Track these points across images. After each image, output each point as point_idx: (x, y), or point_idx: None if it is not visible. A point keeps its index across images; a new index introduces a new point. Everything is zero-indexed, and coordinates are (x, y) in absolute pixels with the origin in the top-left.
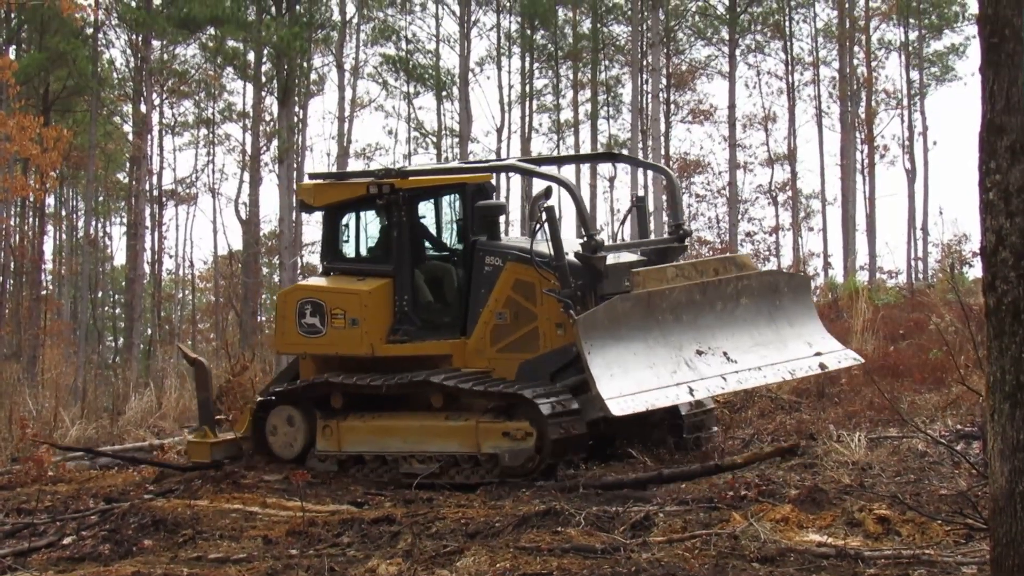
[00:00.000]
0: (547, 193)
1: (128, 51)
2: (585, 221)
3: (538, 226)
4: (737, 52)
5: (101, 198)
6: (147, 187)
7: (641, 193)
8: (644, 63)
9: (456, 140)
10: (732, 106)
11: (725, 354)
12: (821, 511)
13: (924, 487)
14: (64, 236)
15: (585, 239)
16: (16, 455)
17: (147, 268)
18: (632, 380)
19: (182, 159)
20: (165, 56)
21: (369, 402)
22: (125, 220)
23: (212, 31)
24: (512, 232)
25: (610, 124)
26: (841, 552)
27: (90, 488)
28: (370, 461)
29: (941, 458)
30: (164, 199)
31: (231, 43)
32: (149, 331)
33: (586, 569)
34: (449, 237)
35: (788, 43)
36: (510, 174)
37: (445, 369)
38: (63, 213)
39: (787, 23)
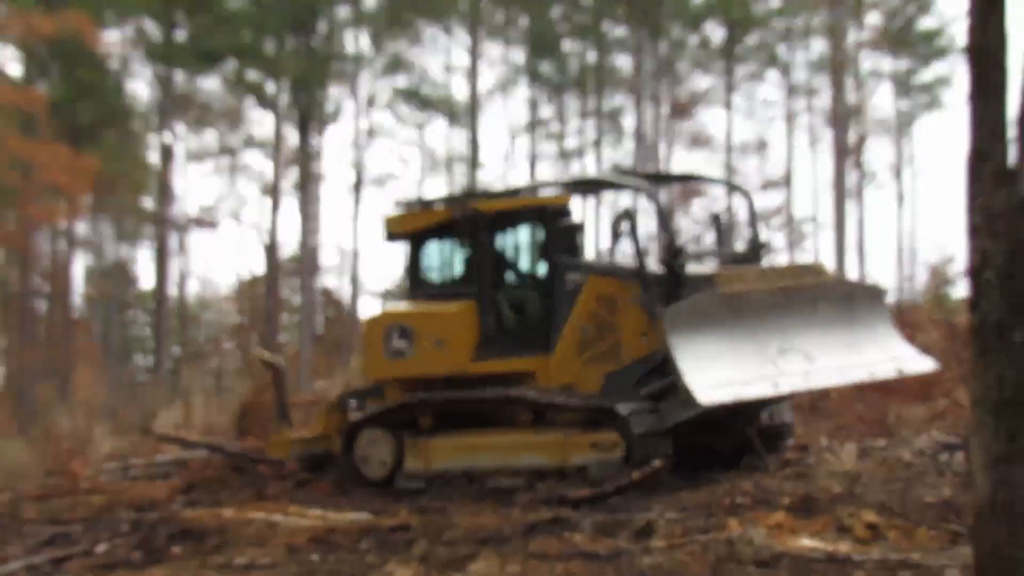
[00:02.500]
0: (627, 213)
1: (152, 83)
2: (668, 231)
3: (621, 240)
4: (734, 81)
5: (129, 224)
6: (172, 214)
7: (715, 212)
8: (645, 93)
9: (466, 167)
10: (729, 132)
11: (805, 354)
12: (813, 517)
13: (910, 495)
14: (93, 260)
15: (668, 247)
16: (52, 468)
17: (173, 291)
18: (718, 372)
19: (205, 186)
20: (188, 88)
21: (456, 420)
22: (152, 245)
23: (233, 63)
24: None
25: (614, 152)
26: (831, 556)
27: (122, 499)
28: (457, 478)
29: (926, 468)
30: (189, 225)
31: (251, 75)
32: (176, 351)
33: (591, 573)
34: (529, 257)
35: (785, 73)
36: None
37: (532, 386)
38: (94, 238)
39: (786, 54)
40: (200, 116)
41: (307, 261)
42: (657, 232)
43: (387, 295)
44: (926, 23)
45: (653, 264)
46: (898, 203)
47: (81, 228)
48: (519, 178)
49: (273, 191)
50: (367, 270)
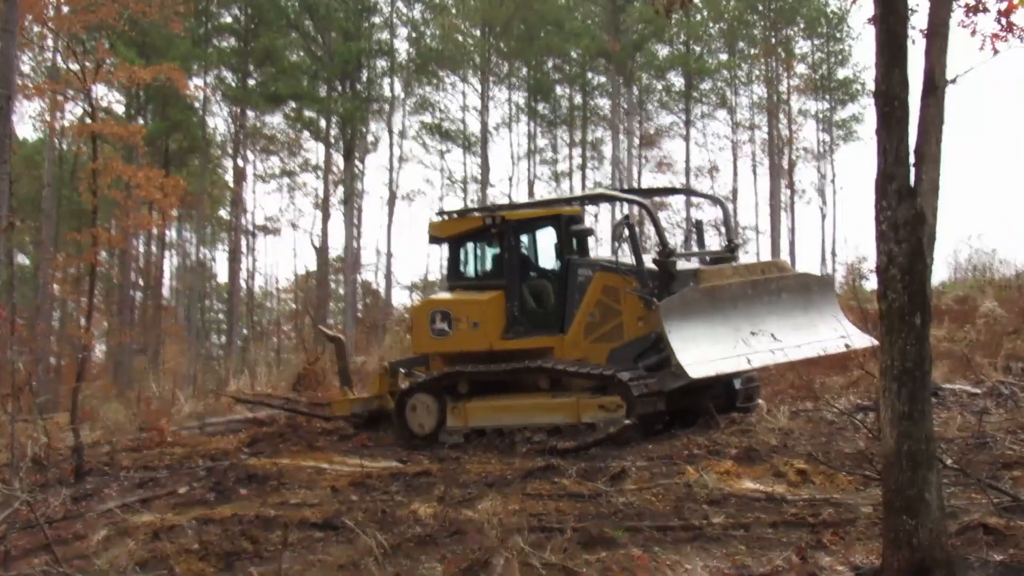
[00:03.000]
0: (626, 219)
1: (229, 119)
2: (661, 235)
3: (622, 242)
4: (692, 118)
5: (208, 230)
6: (243, 222)
7: (632, 218)
8: (621, 127)
9: (478, 186)
10: (687, 159)
11: (772, 335)
12: (754, 465)
13: (832, 447)
14: (179, 260)
15: (660, 248)
16: (143, 425)
17: (243, 283)
18: (703, 351)
19: (270, 201)
20: (257, 123)
21: (488, 387)
22: (227, 247)
23: (293, 104)
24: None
25: (595, 174)
26: (769, 496)
27: (199, 450)
28: (490, 433)
29: (845, 425)
30: (256, 231)
31: (308, 113)
32: (245, 331)
33: (576, 510)
34: (547, 256)
35: (731, 112)
36: (599, 204)
37: (551, 359)
38: (180, 242)
39: (731, 97)
40: (266, 145)
41: (350, 260)
42: (654, 236)
43: (413, 287)
44: (843, 72)
45: (649, 262)
46: (821, 215)
47: (170, 234)
48: (520, 196)
49: (323, 205)
50: (398, 267)
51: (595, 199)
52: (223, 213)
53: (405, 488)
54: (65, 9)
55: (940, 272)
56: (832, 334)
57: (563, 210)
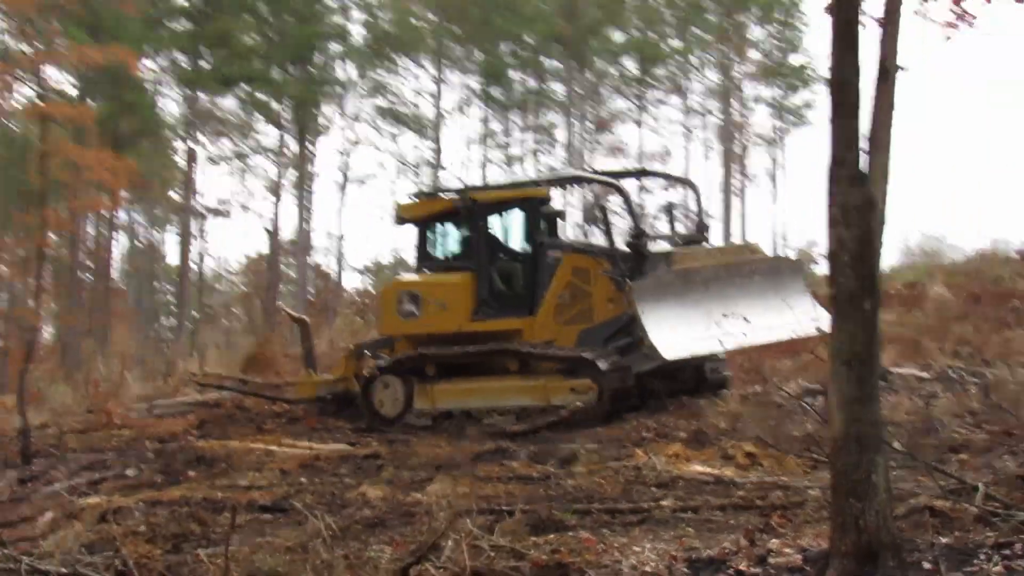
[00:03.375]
0: (599, 205)
1: (180, 101)
2: (634, 217)
3: (595, 224)
4: (645, 103)
5: (159, 212)
6: (193, 204)
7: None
8: (574, 112)
9: (431, 170)
10: (640, 144)
11: (744, 317)
12: (704, 448)
13: (781, 430)
14: (129, 243)
15: (633, 230)
16: (91, 407)
17: (193, 266)
18: (676, 333)
19: (221, 183)
20: (209, 105)
21: (457, 369)
22: (177, 229)
23: (246, 86)
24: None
25: (548, 158)
26: (718, 479)
27: (147, 432)
28: (458, 415)
29: (794, 409)
30: (207, 213)
31: (260, 95)
32: (195, 314)
33: (526, 493)
34: (517, 237)
35: (683, 98)
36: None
37: (521, 341)
38: (130, 224)
39: (683, 82)
40: (218, 128)
41: (301, 243)
42: (629, 218)
43: (365, 270)
44: (796, 59)
45: (621, 244)
46: (773, 200)
47: (120, 215)
48: (474, 180)
49: (275, 187)
50: (349, 250)
51: (570, 181)
52: (174, 195)
53: (354, 471)
54: None
55: (890, 257)
56: (803, 317)
57: (533, 192)
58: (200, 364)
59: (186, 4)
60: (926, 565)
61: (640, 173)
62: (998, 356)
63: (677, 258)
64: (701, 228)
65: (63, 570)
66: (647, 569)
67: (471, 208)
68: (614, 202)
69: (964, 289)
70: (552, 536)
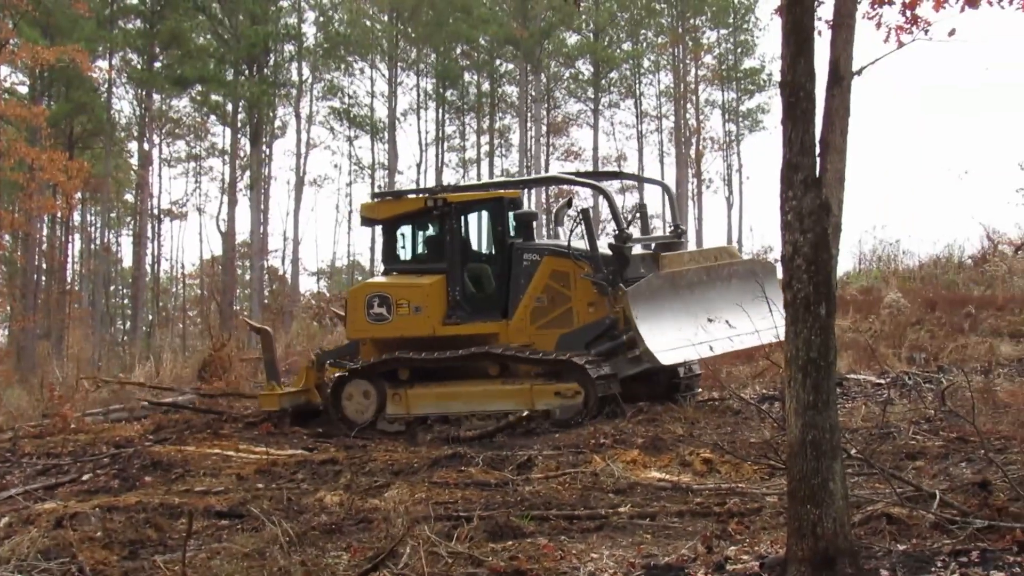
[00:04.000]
0: (569, 203)
1: (134, 102)
2: (618, 219)
3: (574, 226)
4: (600, 107)
5: (113, 215)
6: (148, 207)
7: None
8: (529, 115)
9: (386, 172)
10: (595, 148)
11: (727, 321)
12: (661, 454)
13: (738, 437)
14: (84, 245)
15: (618, 233)
16: (46, 411)
17: (148, 269)
18: (668, 338)
19: (176, 185)
20: (163, 106)
21: (431, 373)
22: (132, 232)
23: (200, 88)
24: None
25: (503, 161)
26: (676, 485)
27: (103, 437)
28: (435, 421)
29: (751, 415)
30: (161, 216)
31: (214, 97)
32: (150, 317)
33: (483, 498)
34: (489, 239)
35: (637, 101)
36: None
37: (502, 344)
38: (84, 226)
39: (637, 86)
40: (172, 129)
41: (256, 245)
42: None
43: (320, 273)
44: (749, 63)
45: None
46: (727, 204)
47: (75, 217)
48: (428, 183)
49: (230, 189)
50: (305, 253)
51: (548, 182)
52: (128, 197)
53: (311, 476)
54: None
55: (845, 262)
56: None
57: (505, 193)
58: (156, 368)
59: (139, 4)
60: (883, 572)
61: (613, 175)
62: (953, 362)
63: (665, 262)
64: (677, 230)
65: None
66: (605, 575)
67: (443, 208)
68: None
69: (919, 295)
70: (510, 543)
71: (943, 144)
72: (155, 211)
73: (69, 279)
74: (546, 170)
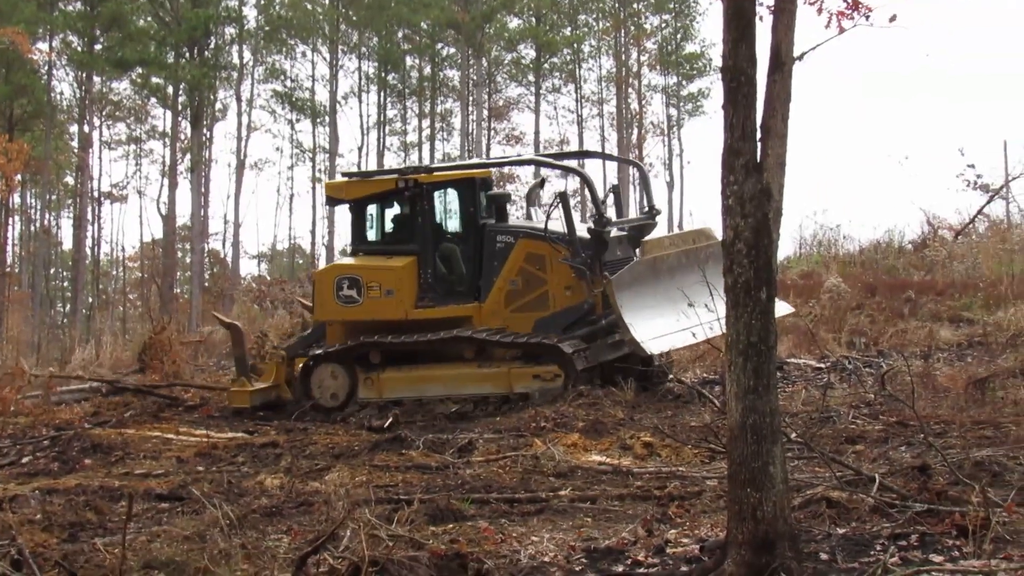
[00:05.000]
0: (542, 183)
1: (75, 84)
2: (597, 203)
3: (551, 209)
4: (542, 91)
5: (53, 197)
6: (89, 189)
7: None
8: (470, 99)
9: (327, 156)
10: (537, 132)
11: (706, 305)
12: (601, 438)
13: (679, 420)
14: (23, 227)
15: (597, 217)
16: None
17: (88, 251)
18: (654, 326)
19: (116, 168)
20: (103, 89)
21: (404, 357)
22: (72, 214)
23: (140, 70)
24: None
25: (444, 145)
26: (616, 469)
27: (43, 420)
28: (408, 405)
29: (691, 398)
30: (102, 198)
31: (155, 79)
32: (90, 299)
33: (424, 482)
34: (461, 221)
35: (579, 86)
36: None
37: (476, 328)
38: (24, 208)
39: (578, 71)
40: (112, 111)
41: (197, 228)
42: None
43: (261, 256)
44: (691, 48)
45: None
46: (669, 189)
47: (14, 199)
48: (370, 166)
49: (170, 172)
50: (246, 236)
51: (525, 164)
52: (68, 179)
53: (252, 459)
54: None
55: (785, 247)
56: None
57: (476, 173)
58: (96, 350)
59: None
60: (823, 555)
61: (581, 155)
62: (893, 347)
63: (648, 247)
64: (652, 211)
65: None
66: (545, 559)
67: (414, 189)
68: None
69: (859, 280)
70: (450, 526)
71: (884, 130)
72: (95, 193)
73: (8, 261)
74: (487, 154)
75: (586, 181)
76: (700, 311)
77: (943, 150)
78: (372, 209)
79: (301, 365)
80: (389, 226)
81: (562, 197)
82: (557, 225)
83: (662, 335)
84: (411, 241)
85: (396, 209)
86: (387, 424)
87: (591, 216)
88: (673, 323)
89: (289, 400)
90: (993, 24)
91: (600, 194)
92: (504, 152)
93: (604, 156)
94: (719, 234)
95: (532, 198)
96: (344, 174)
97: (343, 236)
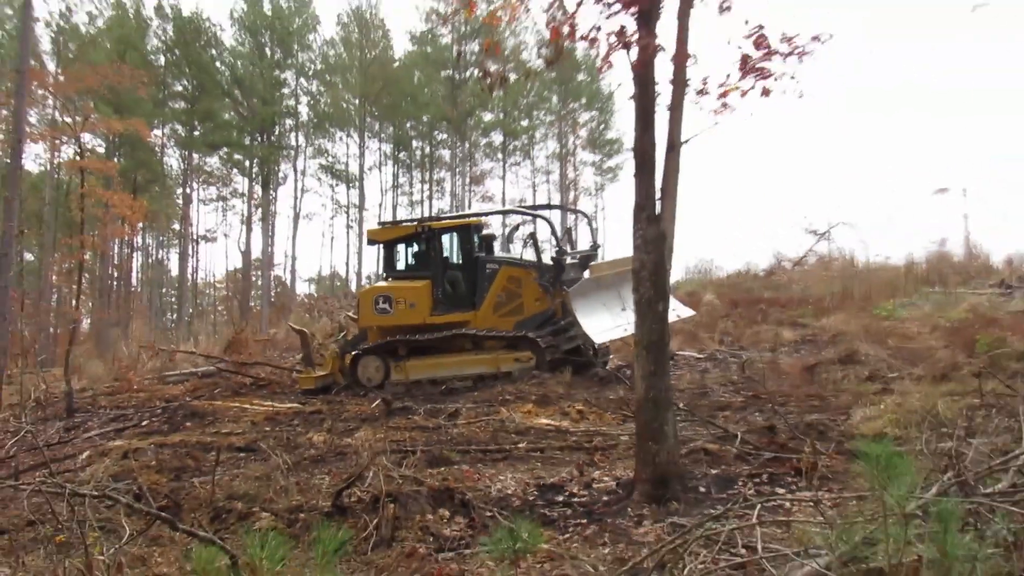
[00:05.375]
0: (516, 228)
1: (180, 159)
2: (558, 239)
3: (524, 245)
4: (507, 165)
5: (164, 238)
6: (189, 233)
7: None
8: (457, 170)
9: (357, 210)
10: (504, 193)
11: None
12: (548, 407)
13: (602, 395)
14: (143, 259)
15: (558, 249)
16: (117, 377)
17: (189, 277)
18: (599, 323)
19: (208, 218)
20: (200, 162)
21: (422, 349)
22: (178, 251)
23: (226, 149)
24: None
25: (439, 202)
26: (558, 429)
27: (157, 395)
28: (426, 383)
29: (612, 379)
30: (198, 239)
31: (236, 156)
32: (190, 310)
33: (424, 438)
34: (461, 254)
35: (532, 160)
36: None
37: (472, 327)
38: (144, 246)
39: (532, 150)
40: (206, 178)
41: (266, 260)
42: (552, 239)
43: (311, 280)
44: (610, 134)
45: (545, 259)
46: (594, 236)
47: (137, 240)
48: (387, 218)
49: (247, 221)
50: (300, 266)
51: (506, 213)
52: (175, 226)
53: (304, 422)
54: (61, 78)
55: (676, 273)
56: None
57: (471, 221)
58: (195, 345)
59: (183, 91)
60: (701, 489)
61: (545, 207)
62: (750, 343)
63: (594, 269)
64: (595, 245)
65: (95, 493)
66: (508, 491)
67: (428, 232)
68: (525, 229)
69: (727, 296)
70: (442, 468)
71: (867, 144)
72: (194, 236)
73: (133, 283)
74: (469, 207)
75: (549, 224)
76: (629, 314)
77: (924, 164)
78: (399, 247)
79: (350, 358)
80: (411, 259)
81: (532, 237)
82: (529, 255)
83: (604, 330)
84: (427, 269)
85: (416, 247)
86: (376, 404)
87: (553, 248)
88: (611, 322)
89: (341, 384)
90: (975, 40)
91: (559, 234)
92: (481, 206)
93: (562, 207)
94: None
95: (511, 237)
96: (380, 223)
97: (368, 266)
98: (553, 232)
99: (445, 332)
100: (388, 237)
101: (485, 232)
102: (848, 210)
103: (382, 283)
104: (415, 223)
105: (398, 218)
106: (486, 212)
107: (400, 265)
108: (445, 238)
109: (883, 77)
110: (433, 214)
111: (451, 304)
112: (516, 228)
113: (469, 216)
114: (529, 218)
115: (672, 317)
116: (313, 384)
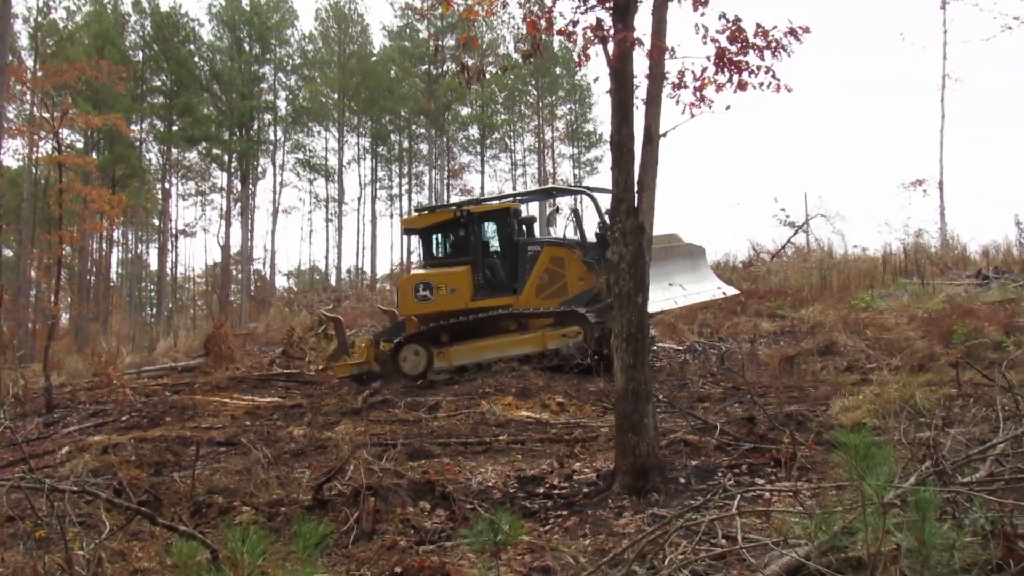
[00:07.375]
0: (557, 210)
1: (158, 154)
2: (601, 215)
3: (567, 222)
4: (485, 158)
5: (143, 233)
6: (168, 228)
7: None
8: (436, 163)
9: (336, 204)
10: (482, 188)
11: (681, 285)
12: (528, 399)
13: (582, 387)
14: (122, 254)
15: (601, 225)
16: (96, 372)
17: (168, 271)
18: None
19: (187, 212)
20: (178, 157)
21: (464, 334)
22: (157, 245)
23: (204, 144)
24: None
25: (417, 196)
26: (538, 421)
27: (136, 390)
28: (471, 368)
29: (592, 371)
30: (177, 234)
31: (215, 151)
32: (170, 305)
33: (404, 430)
34: (500, 237)
35: (511, 154)
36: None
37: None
38: (123, 241)
39: (511, 143)
40: (185, 173)
41: (245, 255)
42: (596, 217)
43: (290, 274)
44: (588, 127)
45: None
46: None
47: (116, 235)
48: (366, 214)
49: (226, 215)
50: (279, 260)
51: (549, 192)
52: (154, 220)
53: (284, 416)
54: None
55: None
56: (714, 284)
57: (510, 205)
58: (175, 342)
59: (161, 86)
60: (681, 480)
61: (550, 191)
62: (729, 334)
63: None
64: (604, 224)
65: (75, 488)
66: (489, 484)
67: (468, 218)
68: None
69: None
70: (423, 461)
71: (865, 136)
72: (173, 231)
73: (112, 278)
74: (448, 201)
75: (594, 201)
76: (676, 288)
77: (904, 154)
78: (436, 234)
79: (391, 348)
80: (450, 246)
81: (575, 213)
82: (569, 234)
83: (655, 301)
84: (467, 254)
85: (455, 233)
86: (367, 395)
87: (598, 224)
88: (661, 294)
89: (376, 372)
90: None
91: (602, 210)
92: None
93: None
94: (684, 238)
95: (551, 219)
96: (416, 209)
97: (348, 258)
98: (597, 208)
99: (490, 313)
100: (424, 225)
101: (523, 215)
102: (829, 201)
103: (420, 271)
104: (453, 208)
105: (432, 205)
106: (528, 192)
107: (439, 252)
108: (484, 223)
109: (879, 71)
110: (470, 198)
111: (491, 289)
112: (557, 210)
113: (505, 198)
114: (568, 198)
115: (718, 295)
116: (349, 372)
